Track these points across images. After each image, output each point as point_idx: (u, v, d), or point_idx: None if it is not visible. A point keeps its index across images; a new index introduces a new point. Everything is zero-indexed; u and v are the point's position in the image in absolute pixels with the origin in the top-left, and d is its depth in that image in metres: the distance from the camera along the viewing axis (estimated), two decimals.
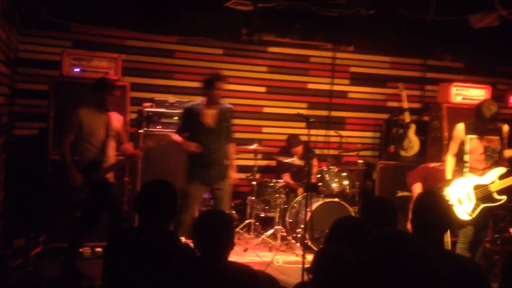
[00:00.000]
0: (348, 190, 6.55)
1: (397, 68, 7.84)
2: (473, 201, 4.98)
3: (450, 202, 4.98)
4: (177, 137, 5.21)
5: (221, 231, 2.63)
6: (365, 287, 1.81)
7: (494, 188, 4.94)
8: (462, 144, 5.14)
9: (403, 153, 7.08)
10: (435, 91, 7.45)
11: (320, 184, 6.44)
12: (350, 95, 7.75)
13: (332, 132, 7.27)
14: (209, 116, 5.24)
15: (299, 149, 6.79)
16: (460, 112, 6.89)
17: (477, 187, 4.99)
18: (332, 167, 6.50)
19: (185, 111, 5.32)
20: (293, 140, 6.84)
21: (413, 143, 7.05)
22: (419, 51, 7.73)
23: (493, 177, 4.97)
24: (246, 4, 6.15)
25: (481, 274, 2.52)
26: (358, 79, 7.75)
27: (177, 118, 6.16)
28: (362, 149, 7.21)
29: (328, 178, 6.42)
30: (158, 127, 6.01)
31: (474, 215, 4.97)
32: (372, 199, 4.36)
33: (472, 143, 5.09)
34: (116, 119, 5.02)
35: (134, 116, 6.14)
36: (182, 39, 6.99)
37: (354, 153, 7.09)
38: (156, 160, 5.91)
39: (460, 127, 5.16)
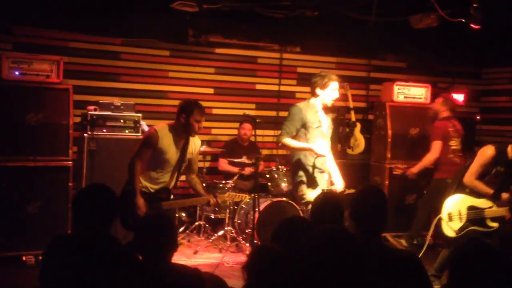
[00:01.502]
0: None
1: (342, 68, 7.97)
2: (464, 220, 4.69)
3: (441, 216, 4.81)
4: (296, 143, 4.59)
5: (163, 233, 2.63)
6: (298, 283, 1.86)
7: (489, 214, 4.62)
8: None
9: (349, 151, 7.22)
10: (379, 90, 7.64)
11: (269, 184, 6.50)
12: (298, 95, 7.83)
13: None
14: (325, 119, 4.77)
15: (246, 125, 6.86)
16: (403, 111, 7.13)
17: (471, 208, 4.68)
18: (281, 166, 6.58)
19: (298, 110, 4.61)
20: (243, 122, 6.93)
21: (359, 141, 7.20)
22: (363, 51, 7.90)
23: (491, 203, 4.65)
24: (191, 5, 6.12)
25: (416, 263, 2.63)
26: (305, 79, 7.84)
27: (123, 121, 6.05)
28: None
29: (277, 178, 6.48)
30: (103, 130, 5.89)
31: (460, 235, 4.66)
32: (319, 195, 4.42)
33: (496, 173, 4.70)
34: (194, 145, 4.55)
35: (78, 119, 6.00)
36: (127, 41, 6.89)
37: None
38: (102, 164, 5.77)
39: (491, 153, 4.67)
